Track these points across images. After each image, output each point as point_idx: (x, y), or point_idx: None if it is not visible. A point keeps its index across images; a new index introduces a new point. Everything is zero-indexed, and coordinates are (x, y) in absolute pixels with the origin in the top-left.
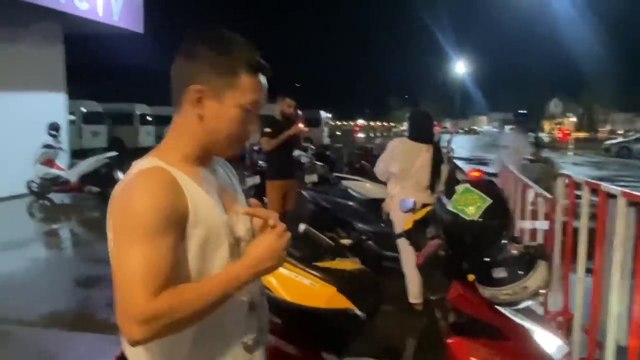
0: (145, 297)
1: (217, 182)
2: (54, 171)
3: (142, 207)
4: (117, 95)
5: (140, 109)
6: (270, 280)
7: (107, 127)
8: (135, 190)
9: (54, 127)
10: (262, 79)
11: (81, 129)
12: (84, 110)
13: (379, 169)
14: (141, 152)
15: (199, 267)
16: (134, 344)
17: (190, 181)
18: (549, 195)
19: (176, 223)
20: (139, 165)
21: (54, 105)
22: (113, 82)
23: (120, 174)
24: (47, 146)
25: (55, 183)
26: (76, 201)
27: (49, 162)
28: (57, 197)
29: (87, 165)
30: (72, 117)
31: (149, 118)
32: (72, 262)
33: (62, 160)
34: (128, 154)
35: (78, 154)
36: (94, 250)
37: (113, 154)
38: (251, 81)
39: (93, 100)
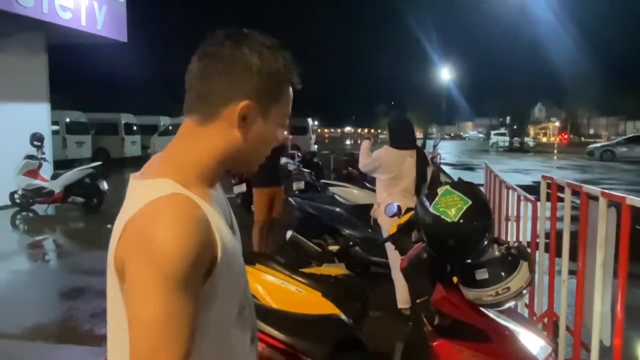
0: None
1: (220, 200)
2: (37, 182)
3: (172, 249)
4: (101, 105)
5: (125, 118)
6: (257, 287)
7: (92, 137)
8: (162, 227)
9: (37, 138)
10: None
11: (65, 139)
12: (67, 120)
13: (366, 166)
14: (127, 162)
15: (219, 305)
16: None
17: (211, 210)
18: (531, 198)
19: (204, 268)
20: (153, 189)
21: (37, 115)
22: (97, 92)
23: (105, 184)
24: (30, 157)
25: (39, 194)
26: (60, 212)
27: (32, 173)
28: (41, 209)
29: (71, 175)
30: (56, 127)
31: (134, 128)
32: (56, 274)
33: (46, 171)
34: (113, 164)
35: (62, 164)
36: (78, 262)
37: (97, 164)
38: (290, 95)
39: (77, 110)
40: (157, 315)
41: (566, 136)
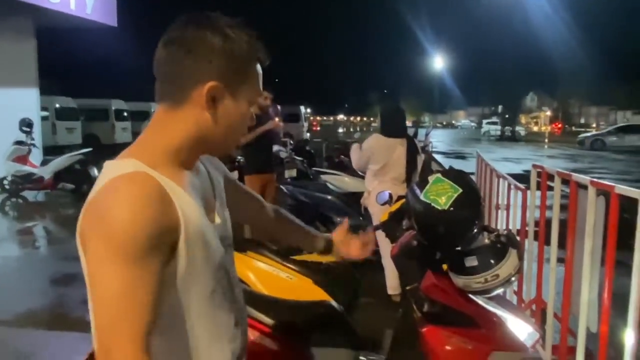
0: (134, 344)
1: (200, 185)
2: (27, 168)
3: (125, 224)
4: (91, 91)
5: (116, 104)
6: (248, 274)
7: (82, 123)
8: (116, 202)
9: (26, 124)
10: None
11: (55, 125)
12: (57, 106)
13: (359, 163)
14: (118, 148)
15: (183, 284)
16: None
17: (178, 189)
18: (521, 186)
19: (164, 242)
20: (116, 168)
21: (25, 100)
22: (88, 78)
23: (95, 171)
24: (19, 143)
25: (28, 180)
26: (50, 198)
27: (22, 159)
28: (31, 195)
29: (60, 162)
30: (45, 113)
31: (125, 114)
32: (46, 260)
33: (35, 157)
34: (103, 150)
35: (52, 150)
36: (68, 248)
37: (87, 150)
38: (258, 72)
39: (67, 95)
40: (115, 288)
41: (559, 125)
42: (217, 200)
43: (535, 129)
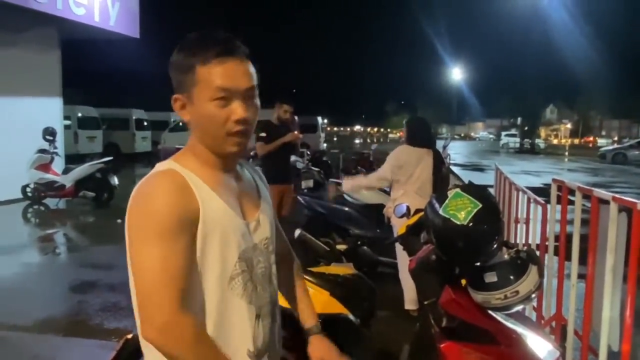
0: (170, 303)
1: (238, 187)
2: (49, 176)
3: (155, 207)
4: (113, 101)
5: (136, 114)
6: None
7: (103, 132)
8: (148, 190)
9: (49, 132)
10: (226, 61)
11: (77, 134)
12: (79, 115)
13: (386, 175)
14: (137, 157)
15: (202, 267)
16: (146, 341)
17: (203, 185)
18: (541, 201)
19: (188, 225)
20: (158, 166)
21: (49, 110)
22: (109, 88)
23: (115, 179)
24: (42, 151)
25: (50, 188)
26: (71, 206)
27: (44, 167)
28: (52, 202)
29: (82, 170)
30: (68, 122)
31: (145, 123)
32: (66, 267)
33: (58, 165)
34: (124, 159)
35: (74, 159)
36: (88, 256)
37: (108, 159)
38: (209, 71)
39: (89, 105)
40: (152, 259)
41: (592, 139)
42: (261, 201)
43: (555, 141)
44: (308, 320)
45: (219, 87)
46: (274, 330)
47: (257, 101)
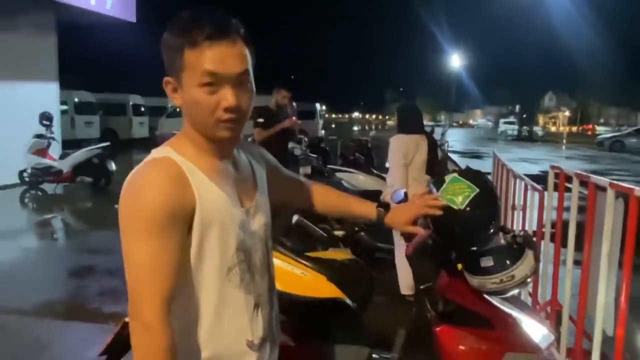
0: (156, 305)
1: (235, 174)
2: (46, 161)
3: (147, 201)
4: (110, 86)
5: (133, 99)
6: None
7: (100, 117)
8: (141, 182)
9: (46, 117)
10: (216, 43)
11: (74, 119)
12: (76, 100)
13: (399, 175)
14: (135, 142)
15: (198, 260)
16: (130, 328)
17: (199, 174)
18: (539, 187)
19: (182, 217)
20: (153, 153)
21: (46, 95)
22: (106, 72)
23: (112, 165)
24: (39, 136)
25: (48, 173)
26: (68, 191)
27: (41, 152)
28: (50, 187)
29: (79, 155)
30: (65, 107)
31: (142, 109)
32: (64, 252)
33: (55, 150)
34: (121, 144)
35: (71, 144)
36: (86, 240)
37: (105, 144)
38: (198, 54)
39: (86, 90)
40: (141, 254)
41: (590, 127)
42: (257, 188)
43: (553, 129)
44: (369, 209)
45: (207, 71)
46: (273, 318)
47: (251, 86)
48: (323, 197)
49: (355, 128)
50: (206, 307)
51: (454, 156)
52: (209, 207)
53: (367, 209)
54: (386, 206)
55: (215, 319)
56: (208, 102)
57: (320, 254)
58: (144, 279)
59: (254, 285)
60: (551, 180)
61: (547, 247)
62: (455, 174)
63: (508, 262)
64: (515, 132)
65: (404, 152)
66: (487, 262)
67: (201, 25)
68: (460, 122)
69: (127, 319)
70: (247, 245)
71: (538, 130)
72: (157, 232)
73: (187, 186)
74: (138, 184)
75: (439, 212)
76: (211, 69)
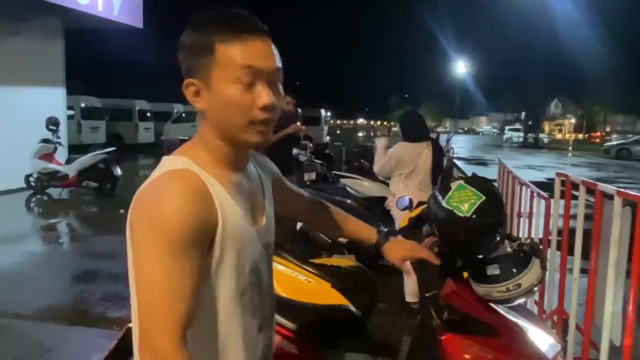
0: (172, 332)
1: (248, 188)
2: (52, 166)
3: (167, 218)
4: (116, 91)
5: (139, 105)
6: None
7: (106, 122)
8: (163, 197)
9: (52, 122)
10: (250, 38)
11: (80, 124)
12: (83, 105)
13: (383, 169)
14: (140, 148)
15: (214, 282)
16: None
17: (220, 188)
18: (545, 195)
19: (204, 236)
20: (169, 163)
21: (53, 100)
22: (112, 78)
23: (118, 170)
24: (46, 141)
25: (54, 178)
26: (74, 196)
27: (47, 157)
28: (55, 192)
29: (85, 160)
30: (71, 112)
31: (148, 114)
32: (69, 257)
33: (61, 155)
34: (127, 150)
35: (77, 149)
36: (91, 245)
37: (111, 149)
38: (232, 48)
39: (92, 95)
40: (158, 276)
41: (597, 134)
42: (266, 202)
43: (559, 136)
44: (370, 234)
45: (243, 66)
46: (271, 339)
47: (281, 88)
48: (323, 215)
49: (360, 134)
50: (214, 336)
51: (459, 163)
52: (230, 225)
53: (368, 232)
54: (385, 236)
55: (221, 343)
56: (243, 100)
57: (325, 261)
58: (160, 303)
59: (261, 309)
60: (557, 187)
61: (553, 256)
62: (461, 181)
63: (514, 270)
64: (521, 139)
65: (397, 157)
66: (493, 270)
67: (232, 21)
68: (466, 129)
69: (130, 325)
70: (259, 266)
71: (544, 137)
72: (177, 252)
73: (211, 202)
74: (157, 198)
75: (437, 262)
76: (248, 63)
